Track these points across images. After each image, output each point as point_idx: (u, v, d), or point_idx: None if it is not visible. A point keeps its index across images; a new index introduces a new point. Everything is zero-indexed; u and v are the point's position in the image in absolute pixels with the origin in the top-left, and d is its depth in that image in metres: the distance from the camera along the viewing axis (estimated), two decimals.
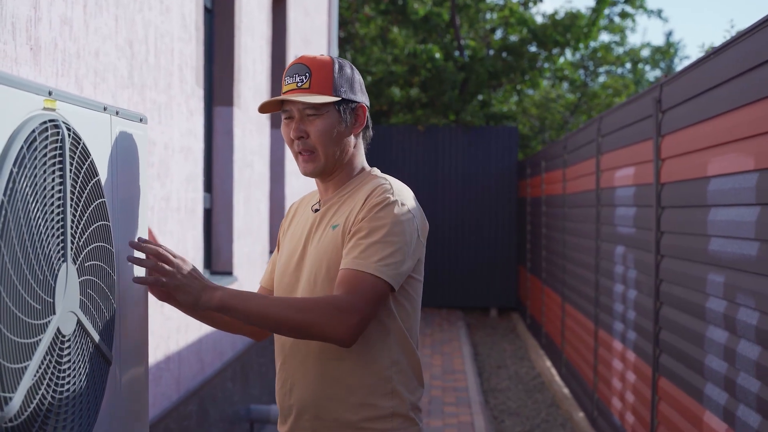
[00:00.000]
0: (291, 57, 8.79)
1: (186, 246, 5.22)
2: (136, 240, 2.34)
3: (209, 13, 6.38)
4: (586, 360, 7.56)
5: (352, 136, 2.58)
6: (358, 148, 2.63)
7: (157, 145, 4.64)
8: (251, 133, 6.96)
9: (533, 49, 15.92)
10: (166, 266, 2.27)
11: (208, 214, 6.39)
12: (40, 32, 3.28)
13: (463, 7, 16.68)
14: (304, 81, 2.49)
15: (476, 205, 14.32)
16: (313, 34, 10.42)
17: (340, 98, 2.50)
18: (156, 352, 4.67)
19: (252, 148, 6.99)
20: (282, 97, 2.49)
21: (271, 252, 7.94)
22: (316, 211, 2.62)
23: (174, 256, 2.32)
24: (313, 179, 2.65)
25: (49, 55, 3.35)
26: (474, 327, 13.27)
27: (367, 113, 2.62)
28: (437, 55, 14.78)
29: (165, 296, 2.50)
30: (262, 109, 2.55)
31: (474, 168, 14.30)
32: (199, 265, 5.51)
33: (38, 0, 3.25)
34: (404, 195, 2.50)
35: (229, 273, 6.45)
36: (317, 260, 2.49)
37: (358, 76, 2.60)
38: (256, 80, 7.10)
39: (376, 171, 2.64)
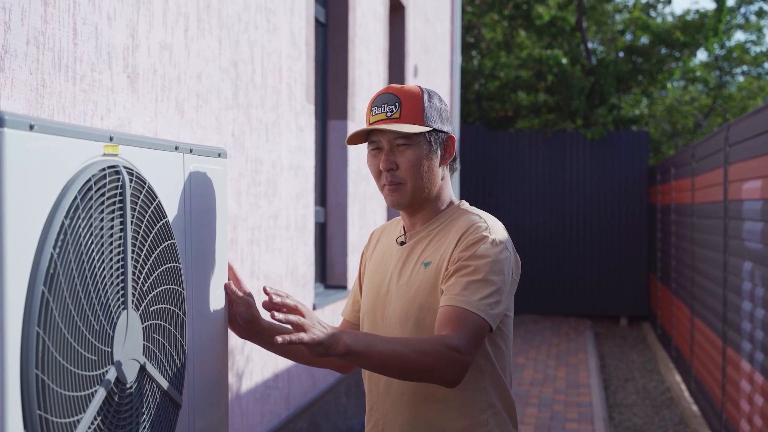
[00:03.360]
0: (411, 66, 8.74)
1: (297, 262, 5.22)
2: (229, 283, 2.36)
3: (323, 27, 6.38)
4: (714, 377, 7.25)
5: (441, 168, 2.50)
6: (446, 180, 2.54)
7: (264, 164, 4.65)
8: (366, 146, 6.93)
9: (663, 50, 15.46)
10: (305, 321, 2.05)
11: (322, 228, 6.39)
12: (138, 59, 3.30)
13: (589, 10, 16.33)
14: (394, 111, 2.42)
15: (605, 210, 13.99)
16: (435, 41, 10.35)
17: (431, 128, 2.43)
18: (263, 371, 4.68)
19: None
20: (374, 126, 2.42)
21: None
22: (402, 243, 2.53)
23: (293, 303, 2.09)
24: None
25: (147, 82, 3.38)
26: (602, 337, 12.95)
27: (456, 144, 2.54)
28: (563, 61, 14.50)
29: (246, 334, 2.47)
30: (350, 141, 2.49)
31: (603, 173, 13.97)
32: (311, 281, 5.51)
33: (136, 28, 3.28)
34: (499, 233, 2.41)
35: (344, 287, 6.44)
36: (408, 298, 2.41)
37: (445, 106, 2.53)
38: (371, 92, 7.07)
39: (466, 205, 2.55)
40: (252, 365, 4.51)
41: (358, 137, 2.49)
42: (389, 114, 2.42)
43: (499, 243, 2.36)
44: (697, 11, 15.16)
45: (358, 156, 6.68)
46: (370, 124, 2.46)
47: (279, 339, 1.95)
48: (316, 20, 6.14)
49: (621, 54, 16.10)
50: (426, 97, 2.46)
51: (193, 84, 3.80)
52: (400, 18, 8.45)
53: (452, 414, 2.37)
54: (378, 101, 2.46)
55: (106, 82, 3.08)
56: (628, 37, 16.80)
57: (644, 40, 16.02)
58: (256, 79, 4.52)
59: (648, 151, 14.05)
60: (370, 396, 2.52)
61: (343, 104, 6.45)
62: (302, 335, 2.00)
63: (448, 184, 2.56)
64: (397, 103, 2.42)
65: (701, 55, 18.71)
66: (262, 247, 4.64)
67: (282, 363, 4.96)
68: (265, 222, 4.69)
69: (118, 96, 3.16)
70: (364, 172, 6.84)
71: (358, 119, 6.64)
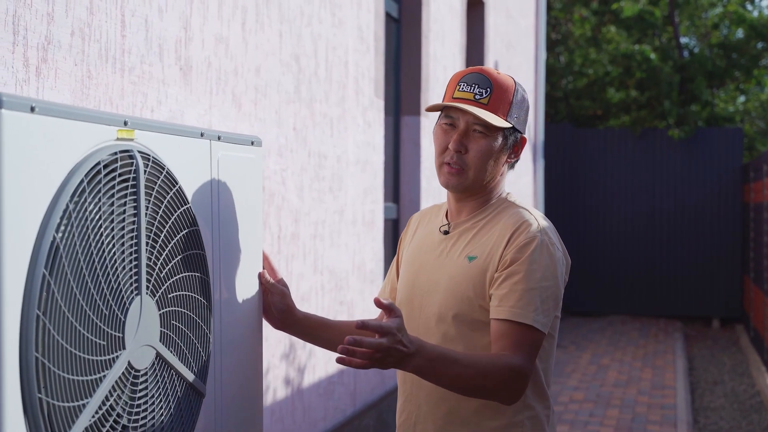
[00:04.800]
0: (491, 62, 8.65)
1: (364, 258, 5.19)
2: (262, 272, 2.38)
3: (396, 22, 6.35)
4: None
5: (504, 165, 2.44)
6: (503, 176, 2.48)
7: (328, 159, 4.63)
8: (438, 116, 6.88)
9: (760, 45, 14.98)
10: (375, 354, 1.99)
11: (395, 225, 6.35)
12: (191, 52, 3.31)
13: (682, 4, 15.95)
14: (484, 95, 2.33)
15: (696, 209, 13.64)
16: (518, 37, 10.23)
17: (511, 126, 2.37)
18: (327, 366, 4.67)
19: None
20: (460, 105, 2.31)
21: None
22: (446, 233, 2.46)
23: (383, 332, 1.99)
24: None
25: (201, 75, 3.38)
26: (692, 339, 12.61)
27: (524, 147, 2.48)
28: (652, 56, 14.18)
29: (280, 325, 2.44)
30: (429, 109, 2.43)
31: (695, 171, 13.62)
32: (379, 277, 5.47)
33: (189, 20, 3.28)
34: (550, 231, 2.34)
35: None
36: (450, 292, 2.35)
37: (528, 107, 2.47)
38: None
39: (513, 197, 2.47)
40: (315, 360, 4.50)
41: (437, 107, 2.41)
42: (478, 97, 2.33)
43: (551, 244, 2.30)
44: None
45: (432, 153, 6.62)
46: (453, 98, 2.36)
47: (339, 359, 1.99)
48: (389, 15, 6.11)
49: (714, 49, 15.68)
50: (517, 91, 2.39)
51: (251, 77, 3.79)
52: (479, 13, 8.37)
53: (487, 413, 2.31)
54: (469, 79, 2.36)
55: (157, 74, 3.09)
56: (723, 31, 16.34)
57: (739, 34, 15.56)
58: (319, 73, 4.51)
59: (742, 149, 13.64)
60: (403, 387, 2.47)
61: (416, 100, 6.40)
62: (362, 362, 1.99)
63: (504, 180, 2.50)
64: (489, 89, 2.34)
65: None
66: (326, 243, 4.63)
67: None
68: (330, 217, 4.67)
69: (170, 88, 3.17)
70: None
71: (431, 115, 6.58)
